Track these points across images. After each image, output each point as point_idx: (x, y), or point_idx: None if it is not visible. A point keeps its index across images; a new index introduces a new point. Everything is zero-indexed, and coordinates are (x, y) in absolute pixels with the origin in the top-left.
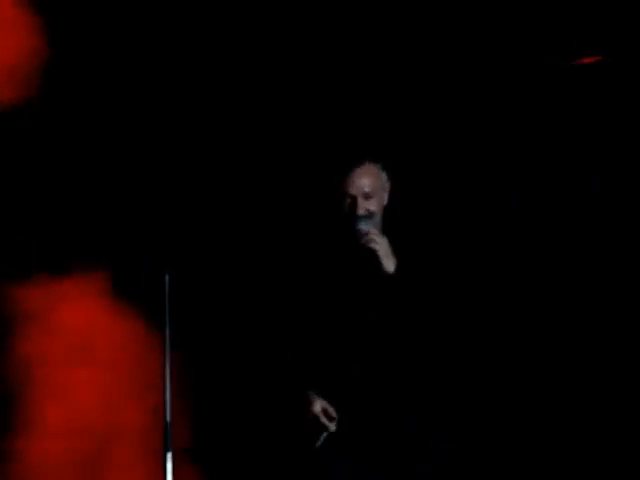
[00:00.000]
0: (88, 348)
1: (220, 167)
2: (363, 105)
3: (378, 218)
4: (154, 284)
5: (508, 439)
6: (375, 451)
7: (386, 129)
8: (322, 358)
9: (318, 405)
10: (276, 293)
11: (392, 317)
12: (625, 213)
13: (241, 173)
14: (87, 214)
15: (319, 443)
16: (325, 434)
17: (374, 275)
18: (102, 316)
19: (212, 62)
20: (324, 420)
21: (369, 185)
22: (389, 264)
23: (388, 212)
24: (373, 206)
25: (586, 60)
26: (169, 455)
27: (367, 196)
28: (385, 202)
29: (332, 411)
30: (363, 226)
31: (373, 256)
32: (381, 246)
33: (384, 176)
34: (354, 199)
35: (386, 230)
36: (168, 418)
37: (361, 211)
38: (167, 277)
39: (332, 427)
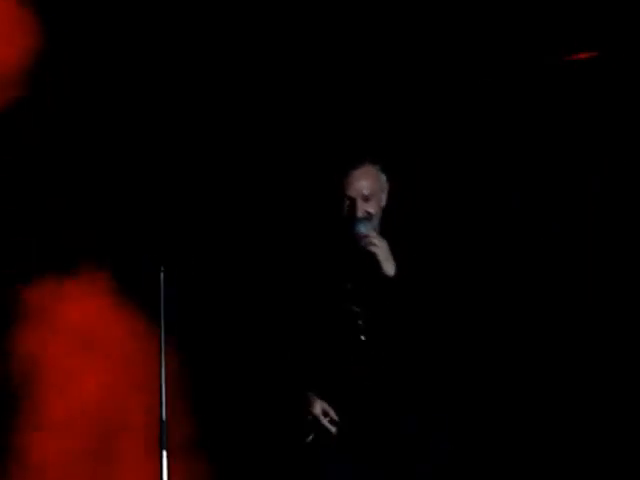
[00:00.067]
0: (90, 347)
1: (219, 169)
2: (362, 106)
3: (377, 220)
4: (154, 282)
5: (508, 439)
6: (375, 451)
7: (384, 130)
8: (322, 359)
9: (318, 407)
10: (275, 294)
11: (392, 319)
12: (625, 213)
13: (240, 174)
14: (87, 214)
15: (309, 439)
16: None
17: (374, 278)
18: (104, 315)
19: (211, 62)
20: (324, 422)
21: (368, 187)
22: (389, 267)
23: (387, 214)
24: (372, 208)
25: (582, 56)
26: (164, 453)
27: (366, 198)
28: (384, 204)
29: (333, 413)
30: (362, 228)
31: (373, 259)
32: (381, 249)
33: (383, 178)
34: (353, 201)
35: (385, 232)
36: (164, 416)
37: (360, 213)
38: (162, 274)
39: (332, 429)
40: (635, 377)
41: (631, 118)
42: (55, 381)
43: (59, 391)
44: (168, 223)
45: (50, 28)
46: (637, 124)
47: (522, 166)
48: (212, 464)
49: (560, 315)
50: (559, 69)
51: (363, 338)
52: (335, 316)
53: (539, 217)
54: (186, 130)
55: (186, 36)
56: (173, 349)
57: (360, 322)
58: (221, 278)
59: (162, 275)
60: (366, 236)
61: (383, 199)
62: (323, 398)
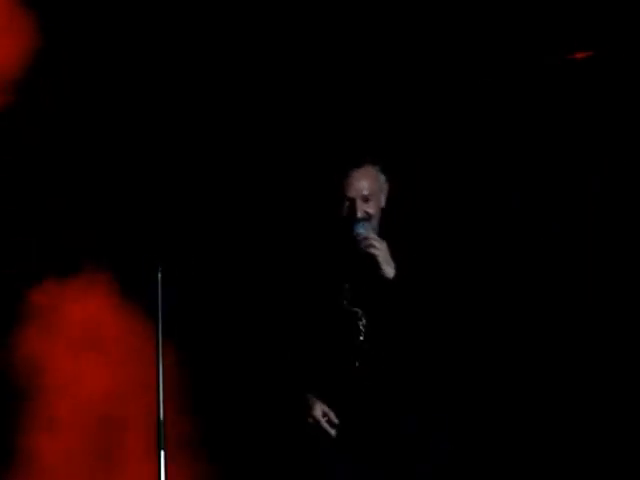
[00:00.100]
0: (91, 347)
1: (218, 169)
2: (361, 107)
3: (376, 220)
4: (153, 283)
5: (508, 439)
6: (375, 451)
7: (384, 130)
8: (322, 359)
9: (319, 409)
10: (275, 295)
11: (391, 320)
12: (625, 213)
13: (239, 175)
14: (87, 215)
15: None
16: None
17: (373, 279)
18: (105, 315)
19: (210, 62)
20: (325, 425)
21: (367, 188)
22: (389, 269)
23: (387, 215)
24: (371, 209)
25: (581, 55)
26: (162, 453)
27: (365, 199)
28: (383, 204)
29: (332, 416)
30: (361, 229)
31: (372, 260)
32: (381, 251)
33: (382, 178)
34: (352, 202)
35: (385, 233)
36: (161, 416)
37: (359, 214)
38: (159, 274)
39: (332, 432)
40: (635, 377)
41: (631, 118)
42: (56, 381)
43: (60, 391)
44: (167, 223)
45: (49, 27)
46: (637, 124)
47: (522, 166)
48: (212, 464)
49: (560, 315)
50: (558, 69)
51: (362, 339)
52: (335, 317)
53: (539, 217)
54: (185, 131)
55: (185, 36)
56: (172, 349)
57: (360, 323)
58: (221, 279)
59: (160, 275)
60: (365, 237)
61: (382, 200)
62: (323, 399)
